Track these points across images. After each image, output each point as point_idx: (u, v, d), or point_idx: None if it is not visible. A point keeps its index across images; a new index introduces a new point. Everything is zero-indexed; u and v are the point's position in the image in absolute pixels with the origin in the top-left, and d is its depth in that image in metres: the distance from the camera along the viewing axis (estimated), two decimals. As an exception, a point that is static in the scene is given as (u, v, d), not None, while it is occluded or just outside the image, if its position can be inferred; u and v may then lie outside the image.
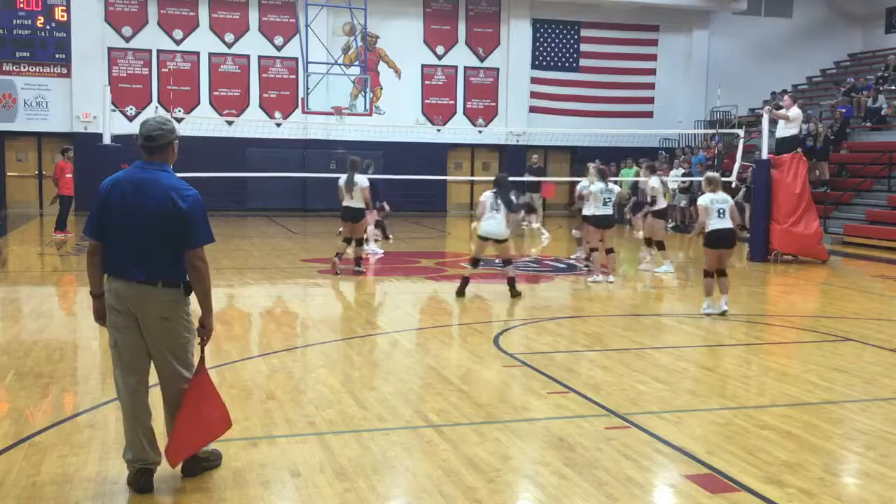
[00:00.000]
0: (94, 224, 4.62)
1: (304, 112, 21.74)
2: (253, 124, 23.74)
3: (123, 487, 4.67)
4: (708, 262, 10.11)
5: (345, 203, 13.10)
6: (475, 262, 11.54)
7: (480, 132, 27.68)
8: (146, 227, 4.50)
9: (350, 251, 13.44)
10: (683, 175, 22.87)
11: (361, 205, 13.07)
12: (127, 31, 24.71)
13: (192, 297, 4.71)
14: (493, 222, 11.05)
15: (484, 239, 11.21)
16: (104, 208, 4.59)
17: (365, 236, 15.01)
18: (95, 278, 4.70)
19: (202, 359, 4.77)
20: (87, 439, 5.42)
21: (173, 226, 4.50)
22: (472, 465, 5.05)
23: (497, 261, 12.31)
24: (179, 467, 4.76)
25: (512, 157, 26.79)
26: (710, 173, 10.72)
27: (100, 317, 4.75)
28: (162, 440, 4.77)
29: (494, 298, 11.37)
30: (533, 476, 4.95)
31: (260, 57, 25.85)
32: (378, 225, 16.61)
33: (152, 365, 4.72)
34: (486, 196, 11.16)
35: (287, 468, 4.96)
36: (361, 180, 13.09)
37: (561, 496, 4.63)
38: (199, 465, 4.80)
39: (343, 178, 13.21)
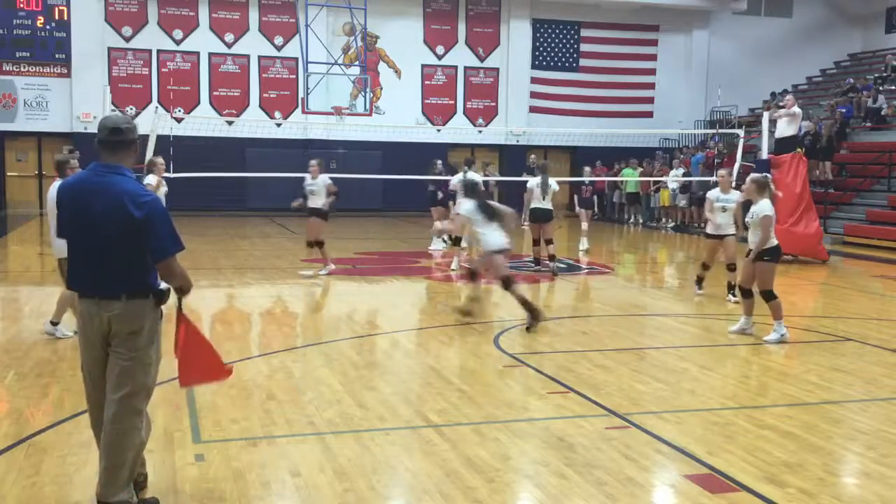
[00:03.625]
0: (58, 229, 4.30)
1: (304, 112, 21.76)
2: (253, 124, 23.75)
3: (123, 487, 4.66)
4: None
5: (536, 205, 13.54)
6: None
7: (480, 132, 27.68)
8: (100, 238, 4.07)
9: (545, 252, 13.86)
10: (683, 175, 22.87)
11: (550, 206, 13.61)
12: (127, 31, 24.71)
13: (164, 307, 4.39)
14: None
15: None
16: (59, 217, 4.26)
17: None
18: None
19: (182, 313, 4.36)
20: (87, 439, 5.41)
21: (129, 236, 4.04)
22: (472, 465, 5.05)
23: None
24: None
25: (512, 157, 26.79)
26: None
27: None
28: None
29: (494, 298, 11.35)
30: (533, 476, 4.95)
31: (260, 57, 25.85)
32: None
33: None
34: None
35: (287, 468, 4.96)
36: (554, 184, 13.69)
37: (561, 496, 4.63)
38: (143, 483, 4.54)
39: (536, 180, 13.65)
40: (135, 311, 4.14)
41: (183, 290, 4.30)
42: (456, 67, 27.58)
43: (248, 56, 25.75)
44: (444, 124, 27.19)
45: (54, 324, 8.30)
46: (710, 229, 11.26)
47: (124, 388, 4.16)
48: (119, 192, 4.05)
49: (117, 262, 4.10)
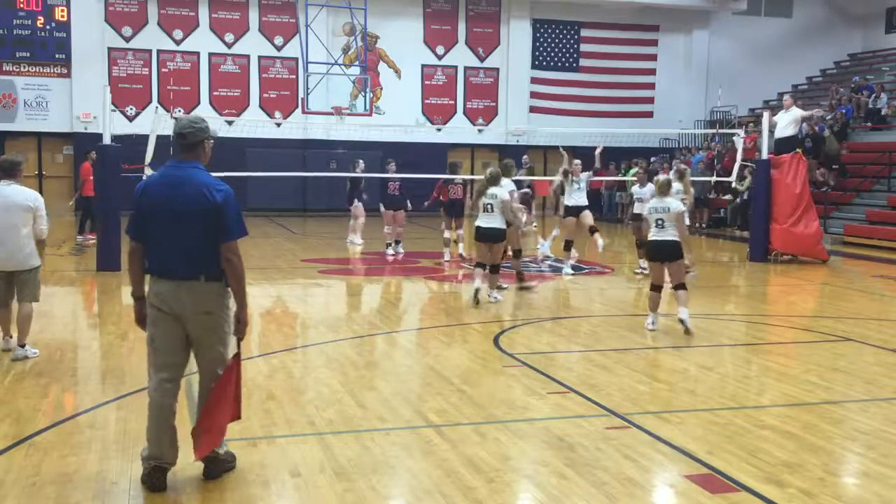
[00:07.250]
0: (133, 225, 4.70)
1: (304, 112, 21.75)
2: (253, 124, 23.72)
3: (123, 487, 4.67)
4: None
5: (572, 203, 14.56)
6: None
7: (480, 132, 27.69)
8: (184, 224, 4.56)
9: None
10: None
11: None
12: (127, 31, 24.71)
13: None
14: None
15: None
16: (140, 209, 4.66)
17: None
18: (137, 279, 4.75)
19: (238, 354, 4.76)
20: (87, 439, 5.42)
21: (210, 219, 4.56)
22: (472, 465, 5.05)
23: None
24: (201, 470, 4.75)
25: (511, 157, 26.75)
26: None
27: (140, 319, 4.76)
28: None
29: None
30: (533, 476, 4.95)
31: (260, 57, 25.85)
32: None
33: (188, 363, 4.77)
34: None
35: (287, 468, 4.96)
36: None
37: (561, 496, 4.62)
38: (220, 467, 4.79)
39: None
40: (211, 292, 4.64)
41: (237, 289, 4.71)
42: (456, 67, 27.59)
43: (248, 56, 25.75)
44: (444, 124, 27.20)
45: (22, 346, 7.43)
46: None
47: (205, 361, 4.71)
48: (199, 183, 4.62)
49: (199, 245, 4.59)
